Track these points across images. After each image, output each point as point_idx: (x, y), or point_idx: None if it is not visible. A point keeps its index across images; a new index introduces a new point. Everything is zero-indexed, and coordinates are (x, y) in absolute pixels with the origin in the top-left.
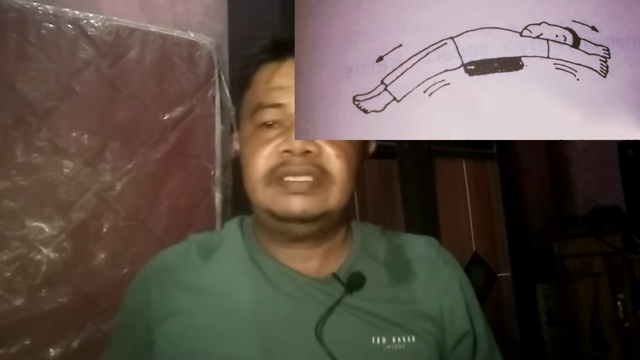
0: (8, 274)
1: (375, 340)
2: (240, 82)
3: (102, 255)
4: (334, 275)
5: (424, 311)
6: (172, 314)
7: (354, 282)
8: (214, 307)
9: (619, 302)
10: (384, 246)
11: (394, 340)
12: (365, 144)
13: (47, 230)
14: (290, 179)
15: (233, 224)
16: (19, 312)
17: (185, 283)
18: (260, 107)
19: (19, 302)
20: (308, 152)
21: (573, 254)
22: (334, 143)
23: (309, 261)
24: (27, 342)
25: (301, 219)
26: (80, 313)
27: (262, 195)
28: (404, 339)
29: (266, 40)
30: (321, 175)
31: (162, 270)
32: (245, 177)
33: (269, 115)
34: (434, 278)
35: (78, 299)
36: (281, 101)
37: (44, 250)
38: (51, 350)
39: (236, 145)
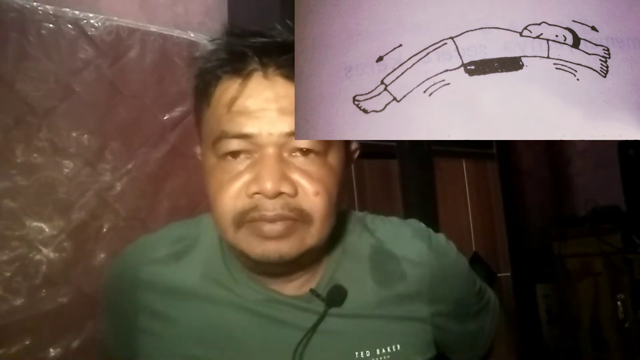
0: (8, 274)
1: (359, 354)
2: (198, 98)
3: (102, 255)
4: (312, 292)
5: (414, 315)
6: (150, 317)
7: (334, 298)
8: (194, 322)
9: (619, 302)
10: (367, 243)
11: (378, 352)
12: (347, 157)
13: (47, 230)
14: (264, 225)
15: (211, 224)
16: (19, 312)
17: (161, 287)
18: (223, 136)
19: (19, 302)
20: (282, 193)
21: (573, 254)
22: (311, 177)
23: (288, 282)
24: (27, 342)
25: (278, 263)
26: (80, 313)
27: (234, 238)
28: (388, 349)
29: (224, 52)
30: (298, 217)
31: (139, 265)
32: (213, 215)
33: (234, 145)
34: (426, 277)
35: (78, 299)
36: (248, 130)
37: (44, 250)
38: (51, 350)
39: (200, 158)
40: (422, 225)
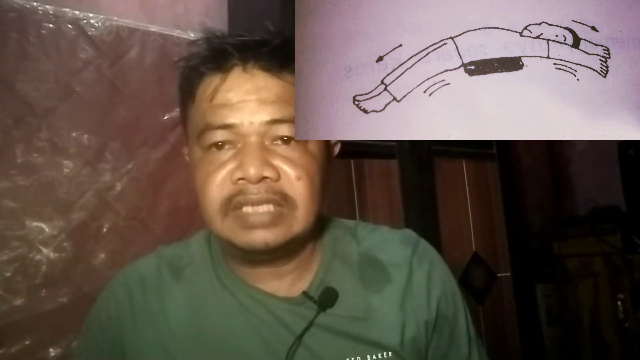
0: (8, 274)
1: None
2: (183, 97)
3: (102, 255)
4: (305, 294)
5: (401, 320)
6: (144, 345)
7: (325, 300)
8: (187, 336)
9: (619, 302)
10: (356, 250)
11: (368, 358)
12: (328, 149)
13: (47, 230)
14: (249, 209)
15: (201, 239)
16: (19, 312)
17: (157, 309)
18: (207, 128)
19: (19, 302)
20: (265, 177)
21: (573, 254)
22: (293, 163)
23: (279, 280)
24: (27, 342)
25: (264, 251)
26: (80, 313)
27: (221, 227)
28: (379, 356)
29: (206, 50)
30: (282, 202)
31: (134, 292)
32: (200, 206)
33: (218, 136)
34: (409, 281)
35: (78, 299)
36: (230, 121)
37: (44, 250)
38: (51, 350)
39: (187, 159)
40: (414, 233)
